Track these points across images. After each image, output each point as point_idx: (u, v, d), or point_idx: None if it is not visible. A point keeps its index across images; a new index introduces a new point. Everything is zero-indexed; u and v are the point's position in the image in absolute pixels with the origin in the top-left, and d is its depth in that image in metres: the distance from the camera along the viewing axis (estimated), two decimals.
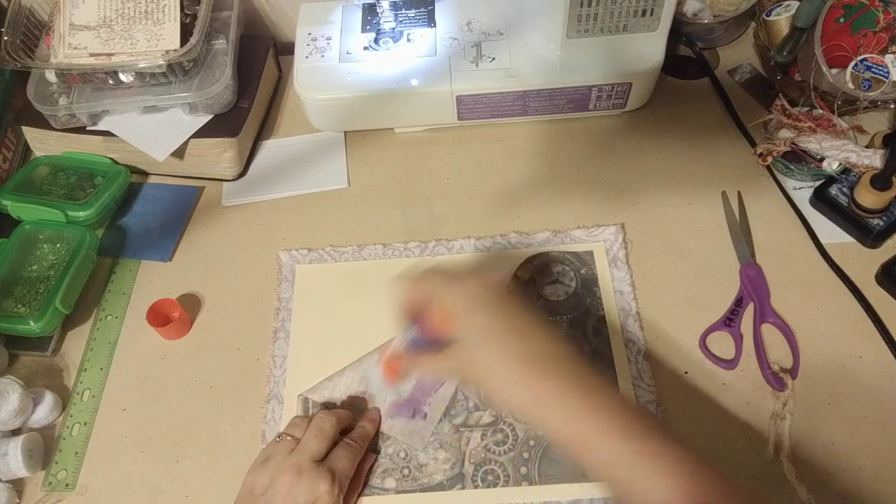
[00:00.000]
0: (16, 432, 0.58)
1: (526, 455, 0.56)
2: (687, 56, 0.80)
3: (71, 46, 0.68)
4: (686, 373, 0.59)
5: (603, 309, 0.62)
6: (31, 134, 0.74)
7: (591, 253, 0.66)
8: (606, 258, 0.65)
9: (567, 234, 0.67)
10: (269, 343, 0.63)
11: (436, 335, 0.49)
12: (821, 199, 0.66)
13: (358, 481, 0.54)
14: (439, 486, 0.55)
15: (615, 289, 0.63)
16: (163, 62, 0.67)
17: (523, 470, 0.55)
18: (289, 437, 0.53)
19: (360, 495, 0.54)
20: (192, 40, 0.68)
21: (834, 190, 0.67)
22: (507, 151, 0.75)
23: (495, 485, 0.55)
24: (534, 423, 0.45)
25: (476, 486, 0.55)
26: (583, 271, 0.65)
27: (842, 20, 0.68)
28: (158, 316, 0.64)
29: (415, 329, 0.50)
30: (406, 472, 0.56)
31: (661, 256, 0.66)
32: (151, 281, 0.68)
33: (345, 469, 0.51)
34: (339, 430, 0.54)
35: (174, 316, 0.64)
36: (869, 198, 0.63)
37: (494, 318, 0.46)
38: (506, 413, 0.57)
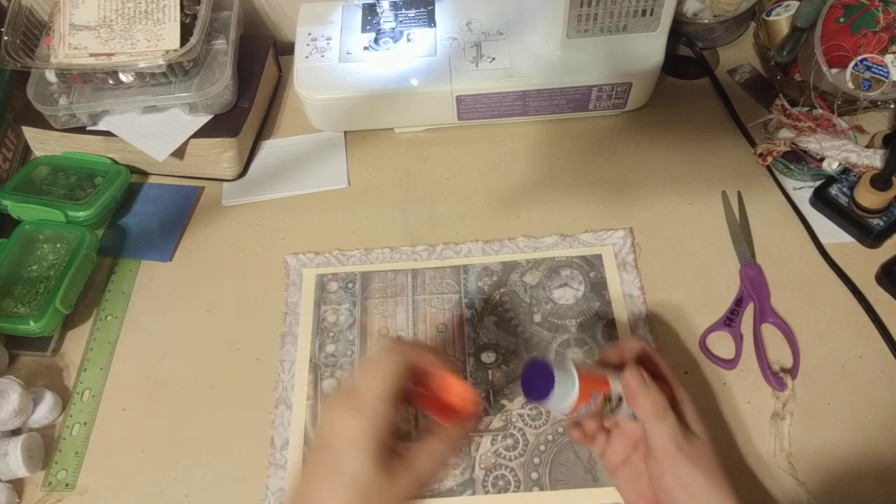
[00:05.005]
0: (16, 432, 0.58)
1: (537, 460, 0.55)
2: (687, 56, 0.80)
3: (71, 46, 0.68)
4: (686, 373, 0.59)
5: (613, 313, 0.62)
6: (31, 134, 0.74)
7: (599, 256, 0.66)
8: (615, 262, 0.65)
9: (575, 238, 0.67)
10: (277, 348, 0.62)
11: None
12: (821, 199, 0.66)
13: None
14: (449, 492, 0.54)
15: (624, 292, 0.63)
16: (163, 62, 0.67)
17: (534, 475, 0.55)
18: None
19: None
20: (192, 40, 0.68)
21: (834, 190, 0.67)
22: (507, 151, 0.75)
23: (506, 490, 0.54)
24: None
25: (487, 492, 0.54)
26: (591, 275, 0.65)
27: (842, 20, 0.68)
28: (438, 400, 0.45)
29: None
30: None
31: (660, 256, 0.66)
32: (151, 281, 0.68)
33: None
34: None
35: (453, 399, 0.45)
36: (869, 198, 0.63)
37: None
38: None
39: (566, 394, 0.44)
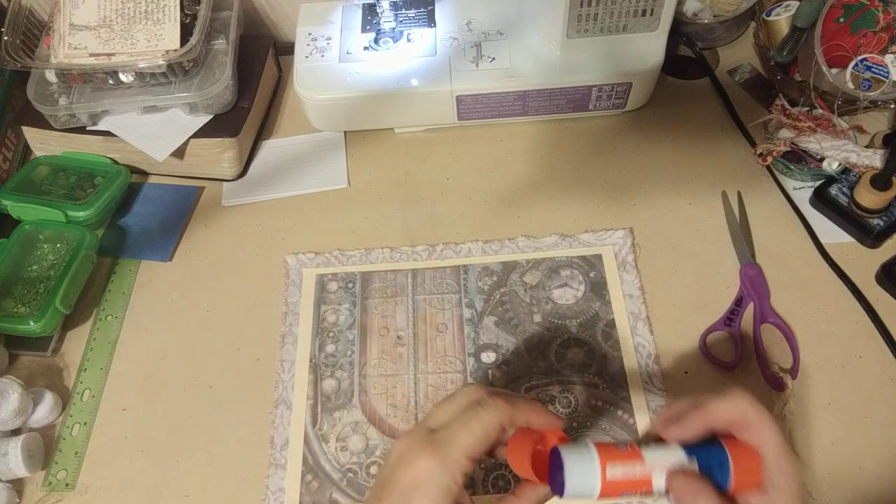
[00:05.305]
0: (16, 432, 0.58)
1: None
2: (687, 56, 0.80)
3: (71, 46, 0.68)
4: (686, 373, 0.59)
5: (612, 313, 0.62)
6: (31, 134, 0.74)
7: (599, 256, 0.66)
8: (615, 262, 0.65)
9: (575, 238, 0.67)
10: (277, 348, 0.62)
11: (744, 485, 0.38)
12: (821, 199, 0.66)
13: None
14: None
15: (624, 292, 0.63)
16: (163, 62, 0.67)
17: None
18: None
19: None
20: (192, 40, 0.68)
21: (834, 190, 0.67)
22: (507, 151, 0.75)
23: (506, 490, 0.54)
24: None
25: (487, 492, 0.54)
26: (591, 275, 0.65)
27: (842, 20, 0.68)
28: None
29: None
30: None
31: (660, 256, 0.66)
32: (151, 281, 0.68)
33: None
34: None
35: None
36: (869, 198, 0.63)
37: None
38: None
39: (584, 491, 0.37)
